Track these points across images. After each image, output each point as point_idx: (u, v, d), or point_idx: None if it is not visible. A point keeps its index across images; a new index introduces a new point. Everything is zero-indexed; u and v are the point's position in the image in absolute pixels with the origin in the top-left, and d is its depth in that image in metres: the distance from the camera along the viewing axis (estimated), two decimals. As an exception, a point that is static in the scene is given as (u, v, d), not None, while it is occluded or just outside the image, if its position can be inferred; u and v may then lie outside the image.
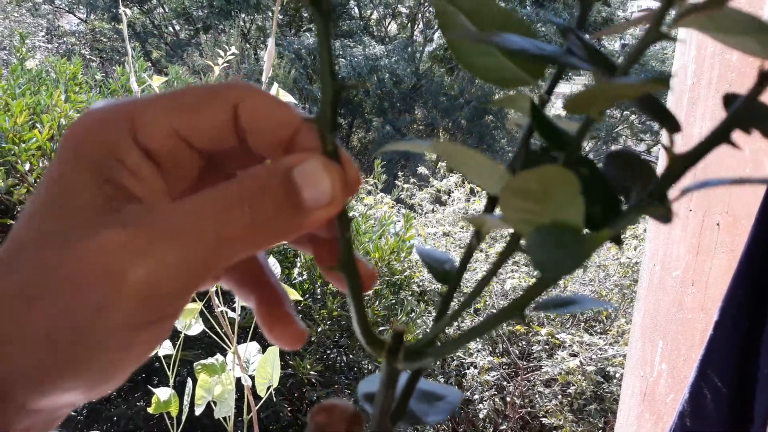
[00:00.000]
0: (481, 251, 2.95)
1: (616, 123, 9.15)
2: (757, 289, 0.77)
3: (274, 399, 1.88)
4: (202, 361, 1.15)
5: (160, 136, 0.22)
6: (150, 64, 7.33)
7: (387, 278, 2.18)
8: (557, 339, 2.56)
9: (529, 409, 2.57)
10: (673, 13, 0.19)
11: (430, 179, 3.90)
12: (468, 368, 2.61)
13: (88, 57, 8.66)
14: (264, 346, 1.20)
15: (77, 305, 0.19)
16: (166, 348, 1.19)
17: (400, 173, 5.13)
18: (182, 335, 1.16)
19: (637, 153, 0.22)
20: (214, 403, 1.14)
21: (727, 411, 0.80)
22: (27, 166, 1.68)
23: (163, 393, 1.18)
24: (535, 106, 0.21)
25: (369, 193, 3.09)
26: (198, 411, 1.13)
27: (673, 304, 1.17)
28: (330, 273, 0.25)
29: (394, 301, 2.18)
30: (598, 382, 2.48)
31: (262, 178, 0.22)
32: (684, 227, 1.14)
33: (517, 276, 2.69)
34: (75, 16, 9.44)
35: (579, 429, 2.46)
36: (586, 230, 0.19)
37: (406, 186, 3.91)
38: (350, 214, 0.30)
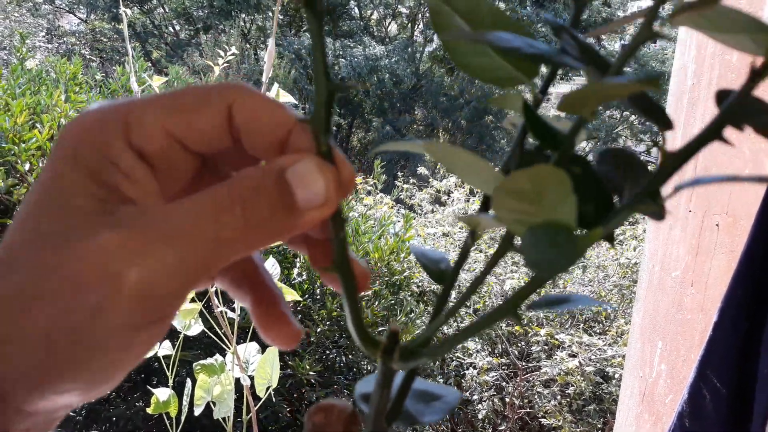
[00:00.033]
0: (480, 252, 2.95)
1: (616, 123, 9.14)
2: (757, 290, 0.77)
3: (273, 399, 1.88)
4: (202, 362, 1.15)
5: (153, 137, 0.22)
6: (150, 64, 7.34)
7: (386, 279, 2.18)
8: (556, 339, 2.56)
9: (528, 410, 2.56)
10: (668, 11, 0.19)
11: (430, 179, 3.90)
12: (467, 369, 2.61)
13: (88, 57, 8.67)
14: (263, 346, 1.20)
15: (77, 305, 0.19)
16: (165, 348, 1.19)
17: (399, 173, 5.13)
18: (182, 335, 1.16)
19: (630, 151, 0.22)
20: (214, 404, 1.14)
21: (726, 411, 0.80)
22: (27, 166, 1.68)
23: (162, 393, 1.18)
24: (527, 105, 0.21)
25: (369, 193, 3.09)
26: (197, 411, 1.13)
27: (672, 305, 1.16)
28: (324, 273, 0.25)
29: (393, 302, 2.18)
30: (597, 383, 2.48)
31: (255, 178, 0.22)
32: (683, 228, 1.14)
33: (517, 276, 2.69)
34: (75, 16, 9.45)
35: (578, 429, 2.45)
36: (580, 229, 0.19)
37: (405, 186, 3.91)
38: (347, 215, 0.30)
